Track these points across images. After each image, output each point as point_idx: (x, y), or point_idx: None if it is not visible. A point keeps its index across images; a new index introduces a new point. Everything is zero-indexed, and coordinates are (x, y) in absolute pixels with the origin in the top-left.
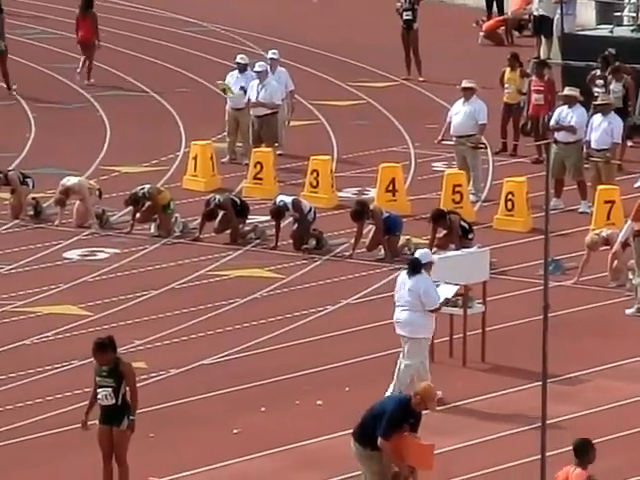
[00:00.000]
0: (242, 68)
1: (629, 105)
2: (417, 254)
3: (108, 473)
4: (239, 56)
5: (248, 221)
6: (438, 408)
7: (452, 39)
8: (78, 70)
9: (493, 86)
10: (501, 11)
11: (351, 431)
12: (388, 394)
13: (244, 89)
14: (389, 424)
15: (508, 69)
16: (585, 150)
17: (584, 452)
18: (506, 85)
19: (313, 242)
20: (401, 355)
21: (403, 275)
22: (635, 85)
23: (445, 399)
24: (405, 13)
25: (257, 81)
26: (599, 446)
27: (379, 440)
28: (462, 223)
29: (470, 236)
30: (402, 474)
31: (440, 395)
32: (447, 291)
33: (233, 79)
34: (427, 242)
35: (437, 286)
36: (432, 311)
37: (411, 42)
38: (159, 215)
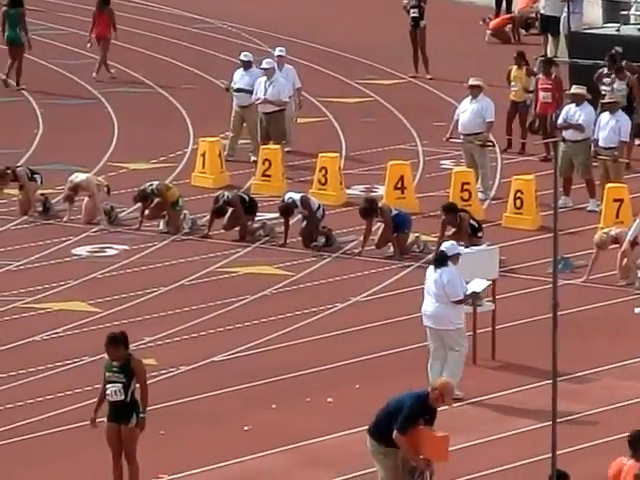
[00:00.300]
0: (246, 65)
1: (634, 103)
2: (443, 247)
3: (118, 471)
4: (243, 53)
5: (257, 218)
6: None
7: (459, 37)
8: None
9: (500, 84)
10: (509, 9)
11: (366, 427)
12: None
13: (245, 90)
14: (407, 419)
15: (514, 67)
16: (593, 148)
17: (639, 443)
18: (512, 83)
19: (322, 239)
20: (431, 351)
21: (431, 267)
22: (638, 83)
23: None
24: (412, 10)
25: (264, 78)
26: (608, 444)
27: (395, 434)
28: (471, 221)
29: (479, 234)
30: (418, 468)
31: (461, 395)
32: (477, 285)
33: (238, 76)
34: (436, 240)
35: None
36: (457, 302)
37: (419, 40)
38: (168, 212)
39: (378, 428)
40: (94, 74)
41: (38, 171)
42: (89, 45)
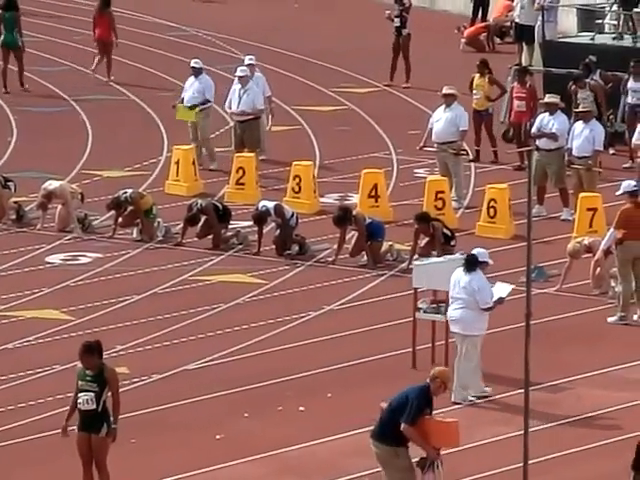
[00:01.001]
0: (197, 72)
1: (601, 107)
2: (474, 251)
3: (88, 479)
4: (193, 60)
5: (230, 226)
6: None
7: (434, 45)
8: (93, 68)
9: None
10: (485, 17)
11: (370, 434)
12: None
13: (195, 104)
14: (416, 410)
15: (477, 75)
16: (567, 158)
17: None
18: (474, 91)
19: (296, 248)
20: (457, 354)
21: (458, 272)
22: (610, 92)
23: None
24: (395, 20)
25: (239, 86)
26: (581, 454)
27: (403, 427)
28: (444, 230)
29: (452, 243)
30: (429, 457)
31: (490, 391)
32: (502, 290)
33: (189, 83)
34: (409, 248)
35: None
36: (485, 310)
37: (402, 48)
38: (141, 220)
39: (384, 429)
40: (106, 79)
41: (12, 178)
42: (96, 45)
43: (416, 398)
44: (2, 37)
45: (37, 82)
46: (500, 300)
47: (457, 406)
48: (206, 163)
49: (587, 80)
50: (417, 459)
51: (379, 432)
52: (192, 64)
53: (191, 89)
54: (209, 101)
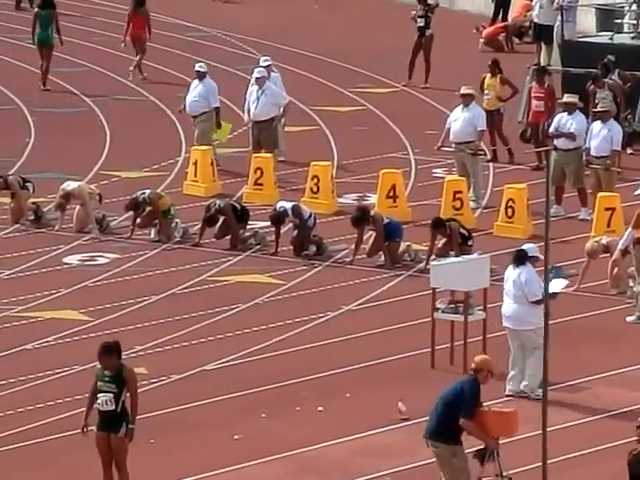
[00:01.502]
0: (201, 76)
1: (619, 106)
2: (524, 247)
3: (108, 479)
4: (198, 65)
5: (248, 227)
6: None
7: (452, 45)
8: (131, 68)
9: None
10: (505, 18)
11: (424, 435)
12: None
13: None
14: (473, 401)
15: (488, 75)
16: (585, 157)
17: None
18: (485, 91)
19: (313, 248)
20: (512, 350)
21: (509, 268)
22: (628, 92)
23: None
24: (419, 20)
25: (256, 87)
26: (598, 454)
27: (462, 421)
28: (461, 230)
29: (469, 243)
30: (489, 448)
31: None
32: (556, 285)
33: (192, 86)
34: (427, 249)
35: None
36: (535, 303)
37: (424, 48)
38: (159, 220)
39: (441, 426)
40: (140, 76)
41: (30, 179)
42: (123, 45)
43: (470, 390)
44: (37, 34)
45: (56, 83)
46: (553, 295)
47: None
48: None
49: (606, 80)
50: (473, 451)
51: (436, 431)
52: (197, 68)
53: (193, 92)
54: (217, 107)
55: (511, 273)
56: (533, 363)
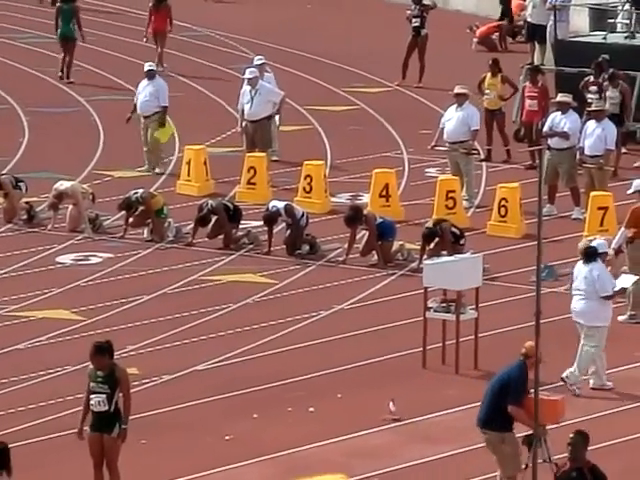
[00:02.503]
0: (151, 76)
1: (626, 109)
2: (594, 243)
3: (99, 479)
4: (147, 64)
5: (241, 226)
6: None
7: (446, 45)
8: (156, 62)
9: None
10: (506, 17)
11: (476, 423)
12: (566, 374)
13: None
14: (521, 389)
15: (489, 74)
16: (579, 156)
17: None
18: (487, 91)
19: (306, 247)
20: (581, 341)
21: (579, 265)
22: (630, 91)
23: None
24: (414, 20)
25: (249, 87)
26: (592, 453)
27: (510, 408)
28: (453, 229)
29: (462, 242)
30: (537, 435)
31: (611, 386)
32: (625, 281)
33: (142, 86)
34: (419, 247)
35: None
36: (606, 298)
37: (419, 48)
38: (152, 220)
39: (490, 414)
40: (160, 67)
41: (23, 179)
42: (145, 40)
43: (520, 377)
44: (60, 29)
45: (49, 83)
46: (622, 290)
47: (474, 404)
48: (151, 167)
49: (620, 81)
50: (522, 437)
51: (485, 419)
52: (146, 67)
53: (144, 92)
54: (165, 107)
55: (581, 269)
56: (584, 358)
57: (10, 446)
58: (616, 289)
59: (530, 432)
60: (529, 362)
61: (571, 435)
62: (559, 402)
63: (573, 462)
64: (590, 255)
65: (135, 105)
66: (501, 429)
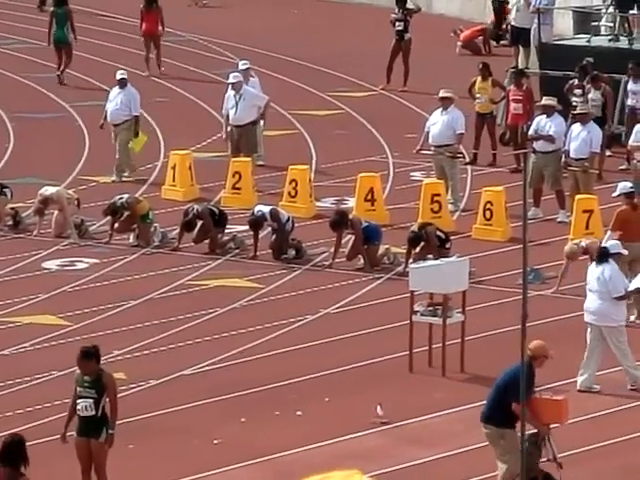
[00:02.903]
0: (123, 84)
1: (607, 112)
2: (607, 244)
3: None
4: (119, 72)
5: (227, 231)
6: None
7: (430, 48)
8: (147, 71)
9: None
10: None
11: (480, 418)
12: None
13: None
14: (526, 388)
15: (479, 78)
16: (564, 159)
17: None
18: (477, 95)
19: (292, 252)
20: (589, 345)
21: (592, 266)
22: (613, 94)
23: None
24: (397, 24)
25: (233, 92)
26: (576, 456)
27: (514, 406)
28: (438, 233)
29: (447, 246)
30: (541, 434)
31: (599, 389)
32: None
33: (113, 94)
34: (405, 251)
35: None
36: (618, 299)
37: (403, 52)
38: (138, 225)
39: (492, 410)
40: (160, 70)
41: (8, 185)
42: (143, 40)
43: (527, 376)
44: (54, 33)
45: (33, 88)
46: (637, 291)
47: (461, 407)
48: (119, 174)
49: (603, 84)
50: (527, 436)
51: (487, 414)
52: (118, 76)
53: (115, 101)
54: (137, 116)
55: (594, 270)
56: (621, 357)
57: None
58: (630, 289)
59: (534, 431)
60: (536, 362)
61: None
62: (563, 402)
63: None
64: (603, 256)
65: (106, 112)
66: (501, 425)
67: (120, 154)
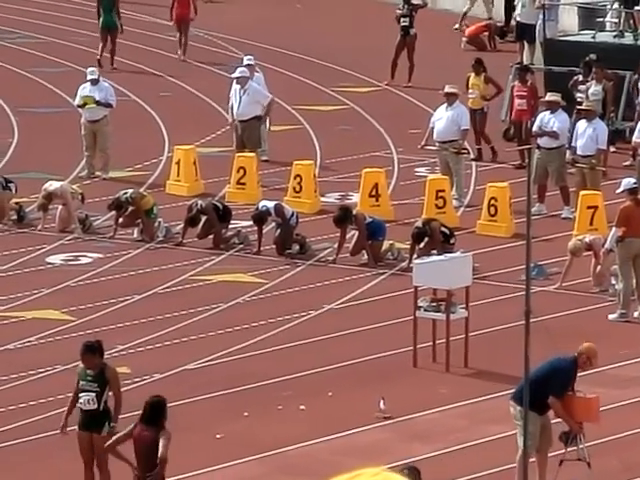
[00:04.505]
0: (94, 82)
1: (606, 106)
2: None
3: (90, 478)
4: (89, 70)
5: (231, 226)
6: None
7: (435, 44)
8: (179, 52)
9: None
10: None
11: (510, 396)
12: None
13: (99, 102)
14: (565, 383)
15: (472, 74)
16: (571, 156)
17: None
18: (470, 90)
19: (296, 247)
20: None
21: None
22: (617, 89)
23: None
24: (403, 19)
25: (238, 86)
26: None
27: (551, 399)
28: (442, 229)
29: (452, 241)
30: (573, 431)
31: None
32: None
33: (85, 92)
34: (409, 247)
35: None
36: None
37: (407, 48)
38: (142, 220)
39: (531, 392)
40: (182, 57)
41: (12, 179)
42: (172, 24)
43: (567, 372)
44: (101, 18)
45: (38, 83)
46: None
47: (465, 402)
48: (100, 172)
49: (603, 78)
50: (560, 433)
51: (518, 395)
52: (89, 76)
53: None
54: (111, 106)
55: None
56: None
57: (1, 446)
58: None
59: (568, 429)
60: (580, 360)
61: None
62: (594, 401)
63: None
64: None
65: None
66: (532, 409)
67: (101, 152)
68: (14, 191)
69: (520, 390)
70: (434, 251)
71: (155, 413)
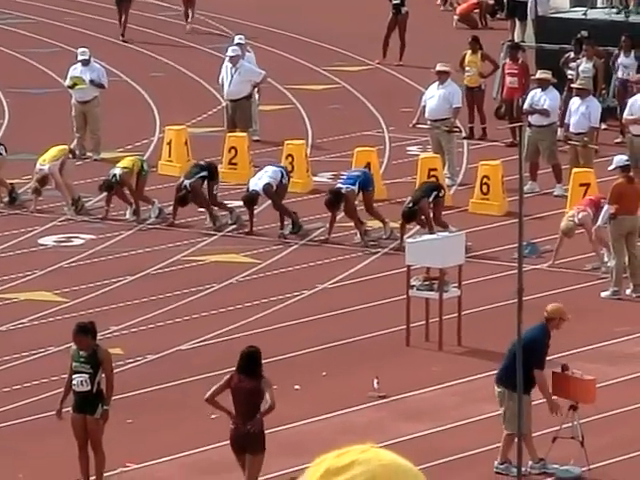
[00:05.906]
0: (85, 62)
1: (597, 86)
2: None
3: (84, 460)
4: (80, 50)
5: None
6: (414, 393)
7: (427, 22)
8: (187, 23)
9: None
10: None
11: (494, 378)
12: None
13: (93, 82)
14: (542, 353)
15: (469, 52)
16: (564, 133)
17: None
18: (467, 68)
19: (289, 227)
20: None
21: None
22: (607, 67)
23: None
24: None
25: (230, 64)
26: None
27: (535, 372)
28: (432, 192)
29: (440, 194)
30: (549, 406)
31: None
32: None
33: (77, 73)
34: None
35: None
36: None
37: (399, 26)
38: (133, 196)
39: (506, 372)
40: (188, 26)
41: (2, 142)
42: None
43: (541, 341)
44: None
45: (28, 63)
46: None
47: (458, 381)
48: (92, 153)
49: (594, 55)
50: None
51: (504, 376)
52: (80, 56)
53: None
54: (103, 86)
55: None
56: None
57: None
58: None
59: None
60: (551, 324)
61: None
62: (591, 382)
63: None
64: None
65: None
66: (510, 387)
67: (92, 134)
68: (4, 154)
69: (500, 369)
70: (425, 230)
71: (252, 363)
